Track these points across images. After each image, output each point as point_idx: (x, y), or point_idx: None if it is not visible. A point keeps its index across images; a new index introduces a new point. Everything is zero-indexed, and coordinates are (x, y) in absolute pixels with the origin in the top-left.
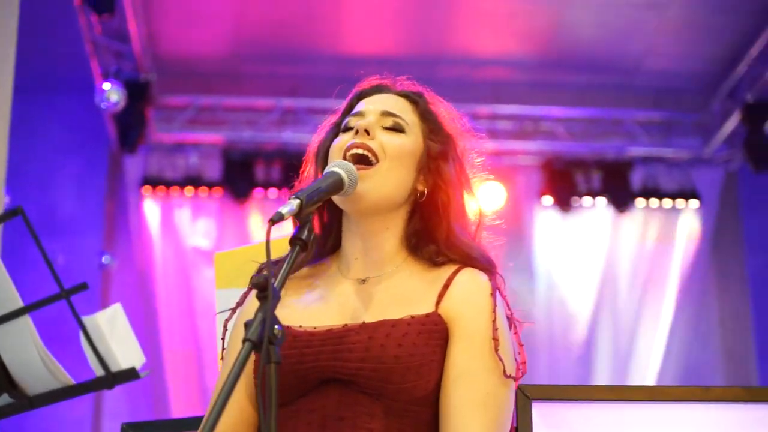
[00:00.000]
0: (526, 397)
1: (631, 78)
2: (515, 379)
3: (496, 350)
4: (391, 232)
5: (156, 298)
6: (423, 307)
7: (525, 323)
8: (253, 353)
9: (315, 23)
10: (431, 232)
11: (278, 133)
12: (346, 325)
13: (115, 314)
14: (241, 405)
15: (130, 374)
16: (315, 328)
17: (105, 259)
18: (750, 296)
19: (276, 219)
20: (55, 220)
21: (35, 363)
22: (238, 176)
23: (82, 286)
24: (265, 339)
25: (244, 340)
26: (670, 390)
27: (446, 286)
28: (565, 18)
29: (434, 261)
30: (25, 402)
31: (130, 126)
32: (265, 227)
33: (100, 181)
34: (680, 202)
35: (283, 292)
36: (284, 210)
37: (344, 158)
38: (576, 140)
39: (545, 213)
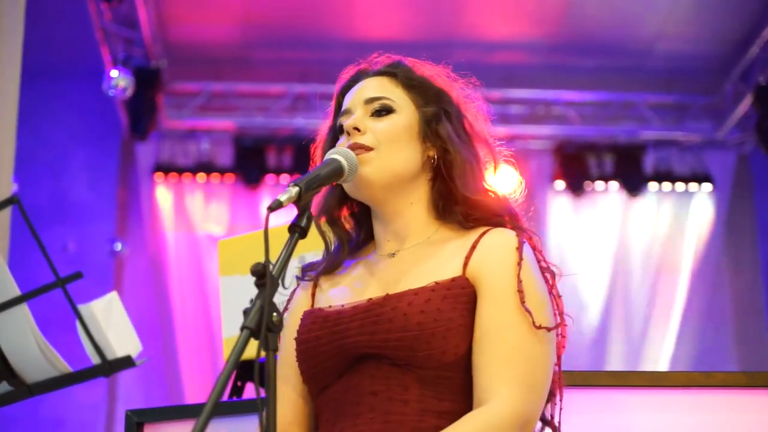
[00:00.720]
0: None
1: (643, 61)
2: (551, 329)
3: (522, 303)
4: (416, 206)
5: (169, 284)
6: (450, 272)
7: (563, 274)
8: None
9: (325, 8)
10: (453, 194)
11: (290, 119)
12: (370, 299)
13: (111, 302)
14: (292, 399)
15: (126, 362)
16: (343, 306)
17: (116, 246)
18: (763, 280)
19: (274, 207)
20: (67, 207)
21: (33, 351)
22: (250, 162)
23: (77, 275)
24: (263, 326)
25: (242, 328)
26: (672, 375)
27: (473, 248)
28: (575, 1)
29: (464, 224)
30: (24, 390)
31: (141, 113)
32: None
33: (112, 167)
34: (693, 186)
35: (322, 281)
36: (283, 197)
37: None
38: (588, 124)
39: (557, 197)
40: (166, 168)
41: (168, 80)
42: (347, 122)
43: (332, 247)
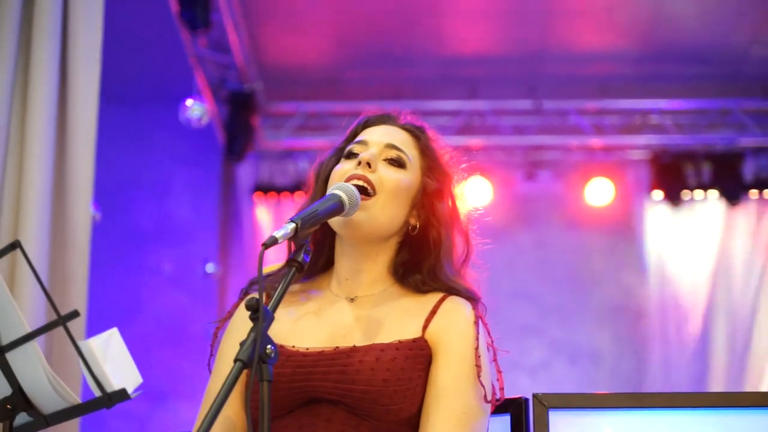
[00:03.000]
0: (542, 406)
1: (739, 67)
2: (497, 403)
3: (479, 376)
4: (380, 259)
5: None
6: (410, 331)
7: (502, 351)
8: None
9: (415, 25)
10: (418, 264)
11: None
12: (337, 347)
13: (111, 338)
14: (232, 421)
15: (122, 395)
16: (307, 349)
17: (208, 268)
18: None
19: (269, 243)
20: (169, 229)
21: (44, 384)
22: None
23: (74, 314)
24: (256, 358)
25: (236, 360)
26: (690, 397)
27: (433, 312)
28: (665, 9)
29: (420, 289)
30: (42, 420)
31: (236, 135)
32: None
33: (213, 188)
34: None
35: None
36: (278, 234)
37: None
38: (684, 133)
39: (655, 207)
40: (265, 188)
41: (264, 102)
42: (364, 153)
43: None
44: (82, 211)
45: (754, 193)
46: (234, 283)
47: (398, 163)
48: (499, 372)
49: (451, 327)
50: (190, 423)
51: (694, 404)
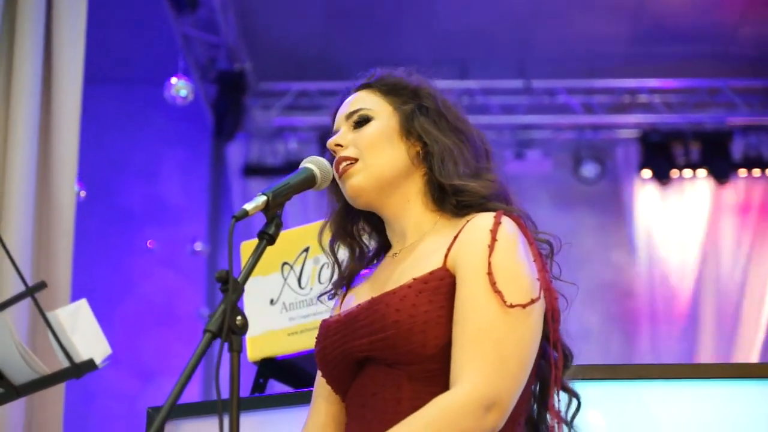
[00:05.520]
0: None
1: (728, 46)
2: (526, 305)
3: (493, 284)
4: (413, 202)
5: None
6: (430, 265)
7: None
8: None
9: (406, 4)
10: (441, 186)
11: None
12: (359, 305)
13: (79, 309)
14: (325, 407)
15: (90, 365)
16: (340, 315)
17: (197, 246)
18: None
19: (240, 216)
20: (159, 209)
21: (14, 356)
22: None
23: (41, 285)
24: (225, 328)
25: (205, 331)
26: (688, 368)
27: (456, 237)
28: None
29: (456, 212)
30: (13, 392)
31: (226, 115)
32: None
33: (203, 168)
34: None
35: (347, 294)
36: (249, 206)
37: (338, 175)
38: (673, 112)
39: (644, 186)
40: (255, 168)
41: (253, 82)
42: (329, 141)
43: (347, 261)
44: (67, 191)
45: (742, 171)
46: (223, 263)
47: (363, 120)
48: (544, 270)
49: (466, 245)
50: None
51: (696, 375)
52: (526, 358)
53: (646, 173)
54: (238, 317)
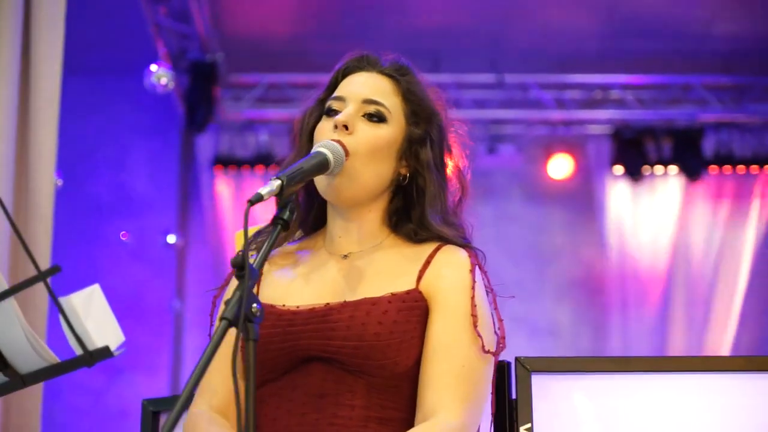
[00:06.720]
0: (525, 370)
1: (700, 43)
2: (494, 354)
3: (475, 326)
4: (372, 213)
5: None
6: (404, 283)
7: (505, 297)
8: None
9: None
10: (408, 213)
11: None
12: (328, 304)
13: (92, 294)
14: (225, 388)
15: (105, 353)
16: (298, 307)
17: (169, 238)
18: None
19: (255, 200)
20: (128, 200)
21: (22, 343)
22: None
23: (56, 268)
24: (242, 317)
25: (221, 319)
26: (672, 360)
27: (427, 263)
28: None
29: (413, 239)
30: (18, 381)
31: (197, 106)
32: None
33: (173, 160)
34: (754, 168)
35: (266, 268)
36: (264, 191)
37: None
38: (646, 108)
39: (616, 183)
40: (225, 160)
41: (225, 73)
42: (339, 116)
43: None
44: (46, 181)
45: (713, 168)
46: (193, 255)
47: (378, 117)
48: (501, 320)
49: (446, 277)
50: (147, 396)
51: (678, 368)
52: (488, 398)
53: (618, 169)
54: (254, 305)
